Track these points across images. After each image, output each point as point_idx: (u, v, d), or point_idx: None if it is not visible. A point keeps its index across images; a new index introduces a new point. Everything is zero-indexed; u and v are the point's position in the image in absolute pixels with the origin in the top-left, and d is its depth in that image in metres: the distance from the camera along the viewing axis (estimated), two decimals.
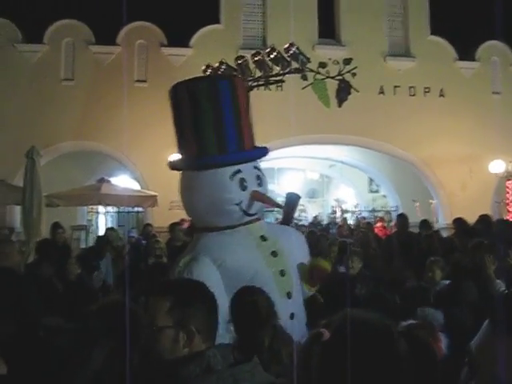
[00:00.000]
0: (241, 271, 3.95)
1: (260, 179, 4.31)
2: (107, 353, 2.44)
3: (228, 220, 4.20)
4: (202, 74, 5.81)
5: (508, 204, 16.59)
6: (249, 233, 4.25)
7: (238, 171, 4.15)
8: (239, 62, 5.21)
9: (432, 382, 1.22)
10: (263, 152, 4.55)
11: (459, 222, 8.35)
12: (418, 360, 1.20)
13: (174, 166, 4.59)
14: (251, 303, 3.17)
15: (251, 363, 2.02)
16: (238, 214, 4.19)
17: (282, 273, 4.15)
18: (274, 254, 4.19)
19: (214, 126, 4.17)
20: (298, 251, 4.44)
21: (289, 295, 4.12)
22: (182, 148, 4.44)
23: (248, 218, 4.27)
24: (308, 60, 5.62)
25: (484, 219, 8.02)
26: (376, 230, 12.65)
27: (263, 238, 4.28)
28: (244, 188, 4.16)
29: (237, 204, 4.15)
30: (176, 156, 14.19)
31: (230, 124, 4.22)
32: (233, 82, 4.47)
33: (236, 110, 4.27)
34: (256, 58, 5.15)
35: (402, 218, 9.63)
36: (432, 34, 18.03)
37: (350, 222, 19.51)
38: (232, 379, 1.93)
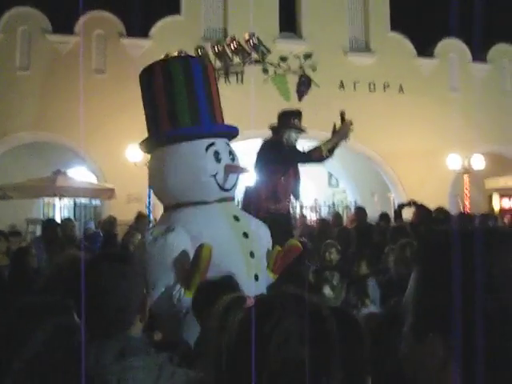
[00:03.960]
0: (213, 248, 3.92)
1: (232, 154, 4.40)
2: (51, 331, 2.29)
3: (203, 194, 4.21)
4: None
5: (465, 199, 16.89)
6: (223, 210, 4.28)
7: (213, 144, 4.23)
8: (199, 52, 5.15)
9: (359, 361, 1.19)
10: (235, 129, 4.70)
11: (421, 210, 8.30)
12: (345, 339, 1.17)
13: (145, 145, 4.53)
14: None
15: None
16: (213, 187, 4.21)
17: (252, 254, 4.18)
18: (246, 235, 4.23)
19: (187, 99, 4.29)
20: (264, 238, 4.46)
21: (256, 277, 4.14)
22: (153, 126, 4.48)
23: (223, 195, 4.30)
24: (268, 51, 5.59)
25: (442, 210, 8.07)
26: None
27: (236, 218, 4.32)
28: (219, 160, 4.22)
29: (212, 176, 4.19)
30: (135, 150, 13.78)
31: (203, 99, 4.36)
32: (204, 62, 4.75)
33: (207, 88, 4.43)
34: (216, 49, 5.10)
35: (360, 210, 9.75)
36: (392, 30, 18.21)
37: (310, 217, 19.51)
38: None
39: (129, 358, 1.74)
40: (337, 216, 11.86)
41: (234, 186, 4.42)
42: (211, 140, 4.25)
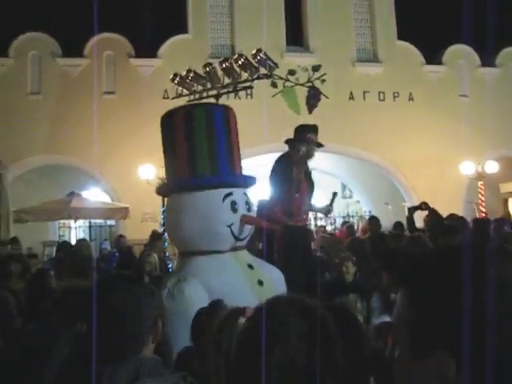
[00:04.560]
0: (228, 296, 3.89)
1: (248, 205, 4.41)
2: (73, 341, 2.29)
3: (217, 243, 4.23)
4: (170, 84, 5.77)
5: (480, 204, 16.77)
6: (236, 259, 4.30)
7: (230, 194, 4.25)
8: (207, 69, 5.23)
9: (359, 356, 1.20)
10: (253, 180, 4.73)
11: (433, 215, 8.22)
12: (344, 336, 1.20)
13: (162, 190, 4.59)
14: None
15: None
16: (228, 237, 4.23)
17: None
18: (261, 283, 4.23)
19: (207, 148, 4.30)
20: (279, 284, 4.45)
21: None
22: (172, 171, 4.51)
23: (237, 244, 4.32)
24: (276, 65, 5.62)
25: (454, 216, 8.02)
26: (340, 234, 12.66)
27: (250, 267, 4.32)
28: (235, 210, 4.23)
29: (228, 226, 4.19)
30: (148, 168, 13.88)
31: (223, 148, 4.37)
32: (226, 110, 4.65)
33: (228, 137, 4.45)
34: (224, 65, 5.17)
35: (373, 219, 9.71)
36: (399, 39, 18.22)
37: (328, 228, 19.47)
38: None
39: (143, 379, 1.72)
40: (349, 227, 11.84)
41: (248, 235, 4.44)
42: (229, 190, 4.27)
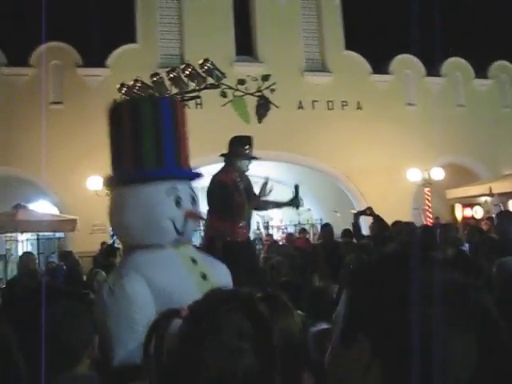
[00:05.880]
0: (171, 291, 3.83)
1: (194, 199, 4.26)
2: None
3: (160, 237, 4.08)
4: (118, 94, 5.70)
5: (427, 211, 17.14)
6: (179, 253, 4.15)
7: (174, 188, 4.10)
8: (154, 79, 5.20)
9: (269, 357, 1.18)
10: (198, 174, 4.59)
11: (378, 223, 8.36)
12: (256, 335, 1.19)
13: (107, 182, 4.46)
14: None
15: None
16: (170, 232, 4.06)
17: None
18: (204, 276, 4.13)
19: (153, 141, 4.17)
20: (224, 278, 4.41)
21: None
22: (117, 164, 4.32)
23: (179, 239, 4.15)
24: (223, 75, 5.63)
25: (399, 223, 8.15)
26: (298, 242, 12.78)
27: (193, 261, 4.20)
28: (179, 205, 4.07)
29: (171, 220, 4.05)
30: (97, 178, 13.60)
31: (169, 141, 4.23)
32: (174, 102, 4.59)
33: (175, 130, 4.32)
34: (171, 75, 5.15)
35: (327, 227, 9.74)
36: (347, 49, 18.51)
37: (277, 237, 19.60)
38: None
39: None
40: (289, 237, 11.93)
41: (192, 231, 4.35)
42: (173, 184, 4.14)
